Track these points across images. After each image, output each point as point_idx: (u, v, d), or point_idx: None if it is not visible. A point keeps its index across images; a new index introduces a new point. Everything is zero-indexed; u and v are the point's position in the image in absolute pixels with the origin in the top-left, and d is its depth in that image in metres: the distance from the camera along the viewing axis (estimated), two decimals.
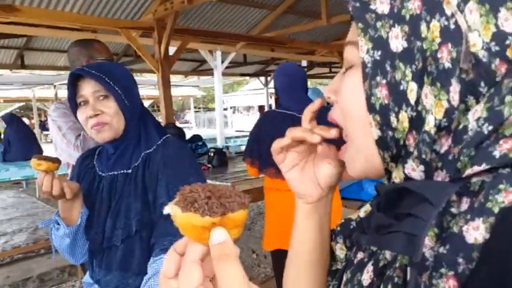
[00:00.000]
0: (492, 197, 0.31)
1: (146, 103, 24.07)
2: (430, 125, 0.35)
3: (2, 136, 6.45)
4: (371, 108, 0.39)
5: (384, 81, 0.37)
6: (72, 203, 1.11)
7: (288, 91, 2.05)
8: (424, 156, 0.36)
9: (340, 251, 0.57)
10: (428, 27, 0.35)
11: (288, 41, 6.25)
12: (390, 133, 0.38)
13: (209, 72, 8.35)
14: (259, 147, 2.09)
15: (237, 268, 0.30)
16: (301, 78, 2.09)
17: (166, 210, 0.33)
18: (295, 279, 0.56)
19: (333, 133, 0.48)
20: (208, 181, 1.02)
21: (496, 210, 0.31)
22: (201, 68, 9.47)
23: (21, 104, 19.16)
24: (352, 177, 0.48)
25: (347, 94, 0.42)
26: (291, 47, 6.38)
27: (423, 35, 0.35)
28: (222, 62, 6.46)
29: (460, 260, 0.31)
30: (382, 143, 0.39)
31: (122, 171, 1.15)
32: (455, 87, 0.34)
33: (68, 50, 1.88)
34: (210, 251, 0.31)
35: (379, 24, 0.38)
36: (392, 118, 0.38)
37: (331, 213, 0.56)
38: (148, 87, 16.29)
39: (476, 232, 0.31)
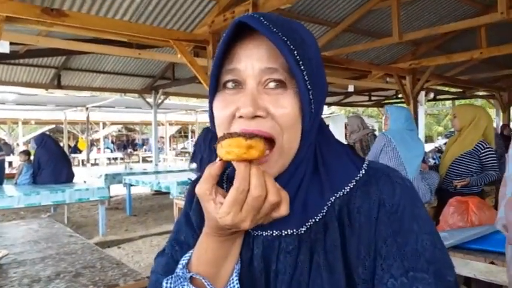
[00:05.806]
0: None
1: (174, 128, 23.80)
2: None
3: (32, 158, 5.97)
4: None
5: None
6: (232, 243, 0.60)
7: None
8: None
9: None
10: None
11: (345, 61, 5.69)
12: None
13: None
14: None
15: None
16: None
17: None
18: None
19: None
20: None
21: None
22: None
23: (52, 126, 19.15)
24: None
25: None
26: (348, 68, 5.82)
27: None
28: None
29: None
30: None
31: (290, 232, 0.61)
32: None
33: None
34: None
35: None
36: None
37: None
38: (176, 112, 16.04)
39: None
